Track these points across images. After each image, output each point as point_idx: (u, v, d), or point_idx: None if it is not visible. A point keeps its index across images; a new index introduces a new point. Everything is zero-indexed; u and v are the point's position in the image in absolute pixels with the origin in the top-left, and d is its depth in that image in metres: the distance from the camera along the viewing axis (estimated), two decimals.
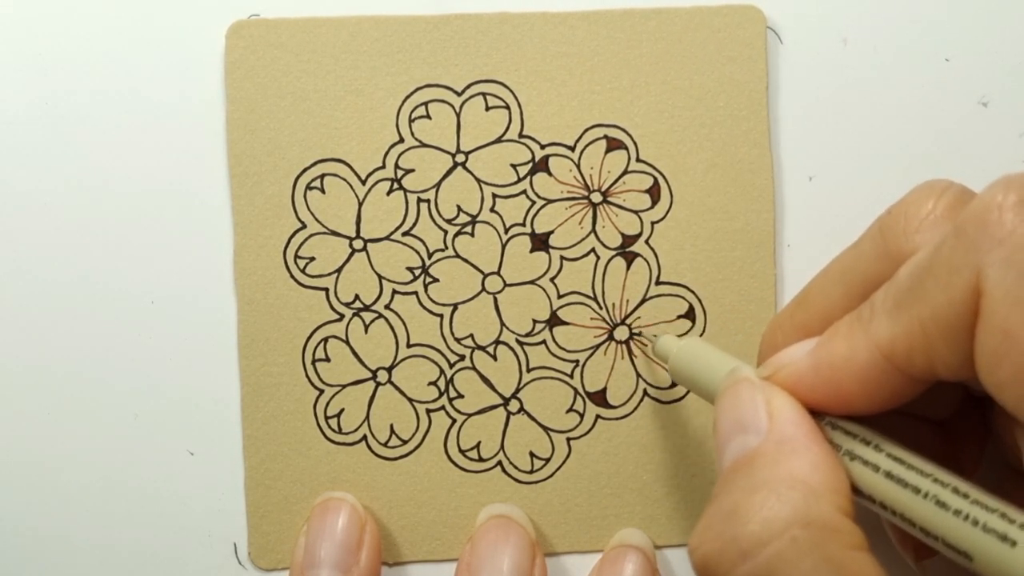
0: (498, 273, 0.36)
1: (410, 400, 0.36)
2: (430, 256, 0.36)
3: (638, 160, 0.36)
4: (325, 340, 0.36)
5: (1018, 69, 0.37)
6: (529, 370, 0.36)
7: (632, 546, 0.35)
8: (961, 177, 0.36)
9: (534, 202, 0.36)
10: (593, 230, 0.36)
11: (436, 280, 0.36)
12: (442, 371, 0.36)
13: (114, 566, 0.36)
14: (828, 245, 0.36)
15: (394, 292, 0.36)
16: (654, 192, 0.36)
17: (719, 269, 0.36)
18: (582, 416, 0.36)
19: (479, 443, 0.36)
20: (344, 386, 0.36)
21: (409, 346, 0.36)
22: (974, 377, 0.24)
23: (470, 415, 0.36)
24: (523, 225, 0.36)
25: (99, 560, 0.36)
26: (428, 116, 0.36)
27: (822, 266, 0.36)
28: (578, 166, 0.36)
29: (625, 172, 0.36)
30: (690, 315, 0.36)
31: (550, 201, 0.36)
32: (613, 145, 0.36)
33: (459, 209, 0.36)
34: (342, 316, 0.36)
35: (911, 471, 0.25)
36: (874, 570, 0.24)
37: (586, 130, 0.36)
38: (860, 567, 0.24)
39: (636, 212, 0.36)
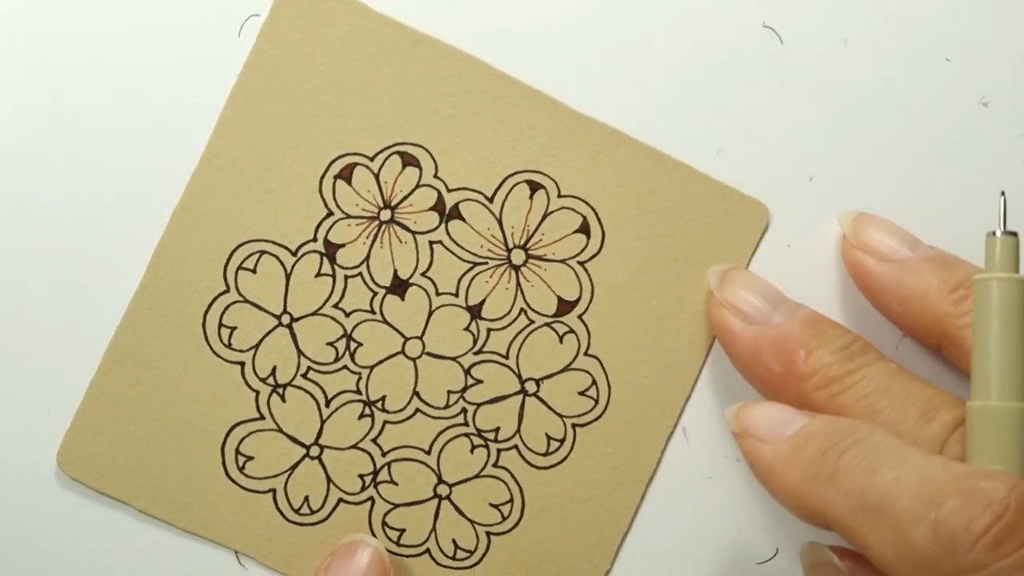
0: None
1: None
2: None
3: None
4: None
5: (1018, 69, 0.37)
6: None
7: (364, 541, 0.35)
8: (961, 177, 0.36)
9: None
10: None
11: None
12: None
13: (114, 566, 0.36)
14: (828, 245, 0.36)
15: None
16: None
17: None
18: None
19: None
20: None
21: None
22: None
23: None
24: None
25: (98, 560, 0.36)
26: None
27: (822, 266, 0.36)
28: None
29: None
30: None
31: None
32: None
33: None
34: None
35: None
36: None
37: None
38: None
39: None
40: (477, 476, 0.36)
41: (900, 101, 0.36)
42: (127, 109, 0.36)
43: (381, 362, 0.36)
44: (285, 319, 0.36)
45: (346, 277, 0.36)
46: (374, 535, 0.36)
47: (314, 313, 0.36)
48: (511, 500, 0.36)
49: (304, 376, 0.36)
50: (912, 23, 0.36)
